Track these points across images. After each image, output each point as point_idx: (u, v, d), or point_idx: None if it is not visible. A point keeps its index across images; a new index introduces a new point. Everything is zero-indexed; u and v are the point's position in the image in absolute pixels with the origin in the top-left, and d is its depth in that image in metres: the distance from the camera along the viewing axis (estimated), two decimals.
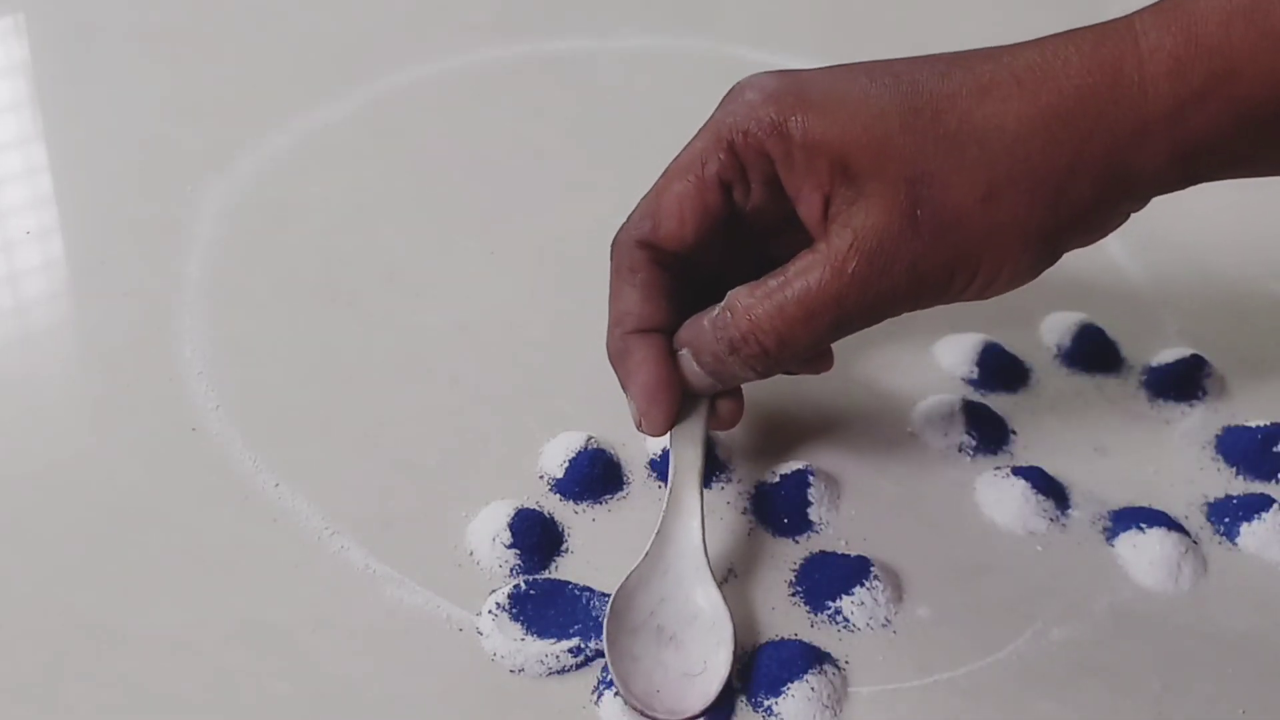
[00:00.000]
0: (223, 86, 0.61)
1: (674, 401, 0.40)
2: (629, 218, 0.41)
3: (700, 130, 0.41)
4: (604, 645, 0.38)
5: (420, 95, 0.62)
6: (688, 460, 0.41)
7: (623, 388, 0.41)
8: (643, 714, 0.37)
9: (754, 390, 0.48)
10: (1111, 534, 0.44)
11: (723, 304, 0.39)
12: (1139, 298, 0.54)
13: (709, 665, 0.38)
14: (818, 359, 0.43)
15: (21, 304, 0.50)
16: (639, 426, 0.41)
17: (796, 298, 0.38)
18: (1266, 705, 0.40)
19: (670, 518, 0.40)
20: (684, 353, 0.41)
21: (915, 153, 0.37)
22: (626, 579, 0.39)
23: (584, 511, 0.43)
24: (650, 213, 0.41)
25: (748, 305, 0.38)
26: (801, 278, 0.38)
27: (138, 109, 0.59)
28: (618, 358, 0.41)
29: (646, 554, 0.39)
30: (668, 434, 0.41)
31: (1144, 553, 0.43)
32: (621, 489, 0.44)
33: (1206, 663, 0.41)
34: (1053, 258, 0.39)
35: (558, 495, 0.44)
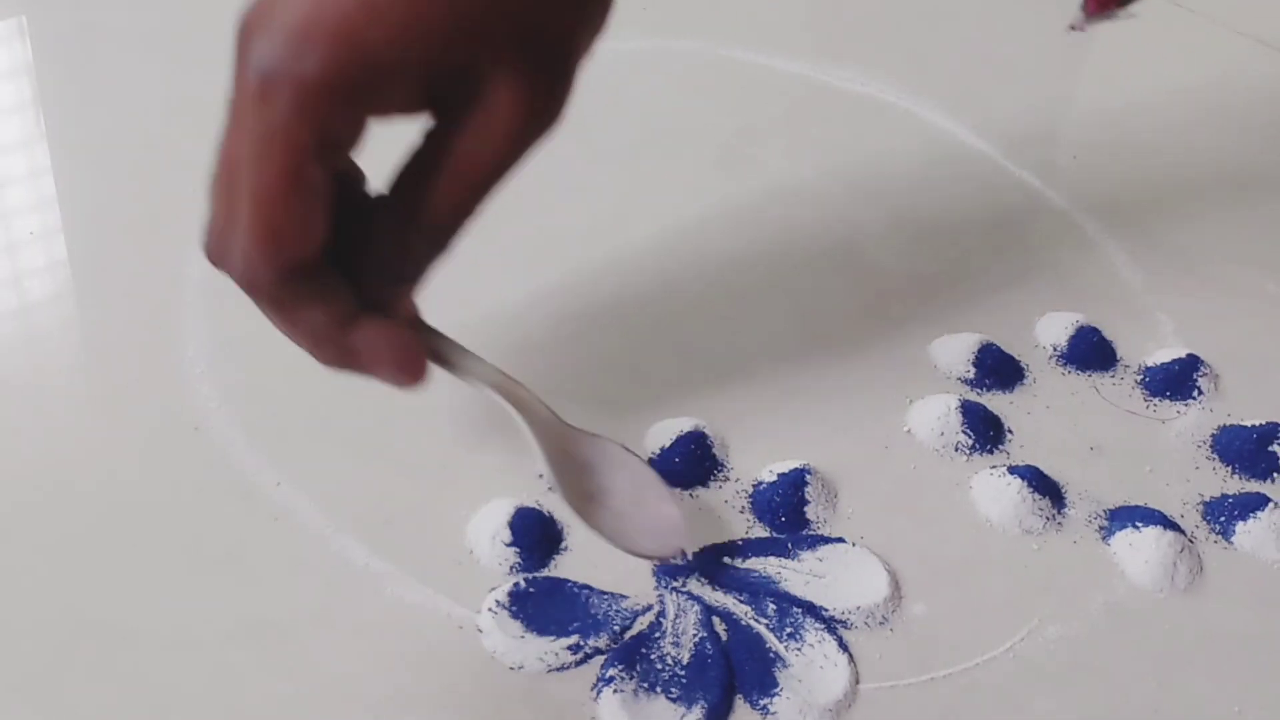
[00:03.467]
0: (224, 86, 0.61)
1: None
2: None
3: None
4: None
5: None
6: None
7: None
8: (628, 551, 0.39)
9: (753, 390, 0.48)
10: (1107, 533, 0.44)
11: None
12: (1135, 298, 0.54)
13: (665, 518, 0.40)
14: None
15: (25, 305, 0.51)
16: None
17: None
18: (1262, 703, 0.40)
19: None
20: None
21: None
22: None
23: None
24: None
25: None
26: None
27: (140, 111, 0.59)
28: None
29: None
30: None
31: (1140, 551, 0.43)
32: None
33: (1202, 661, 0.41)
34: None
35: (557, 494, 0.44)
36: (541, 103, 0.35)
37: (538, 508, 0.43)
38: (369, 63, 0.32)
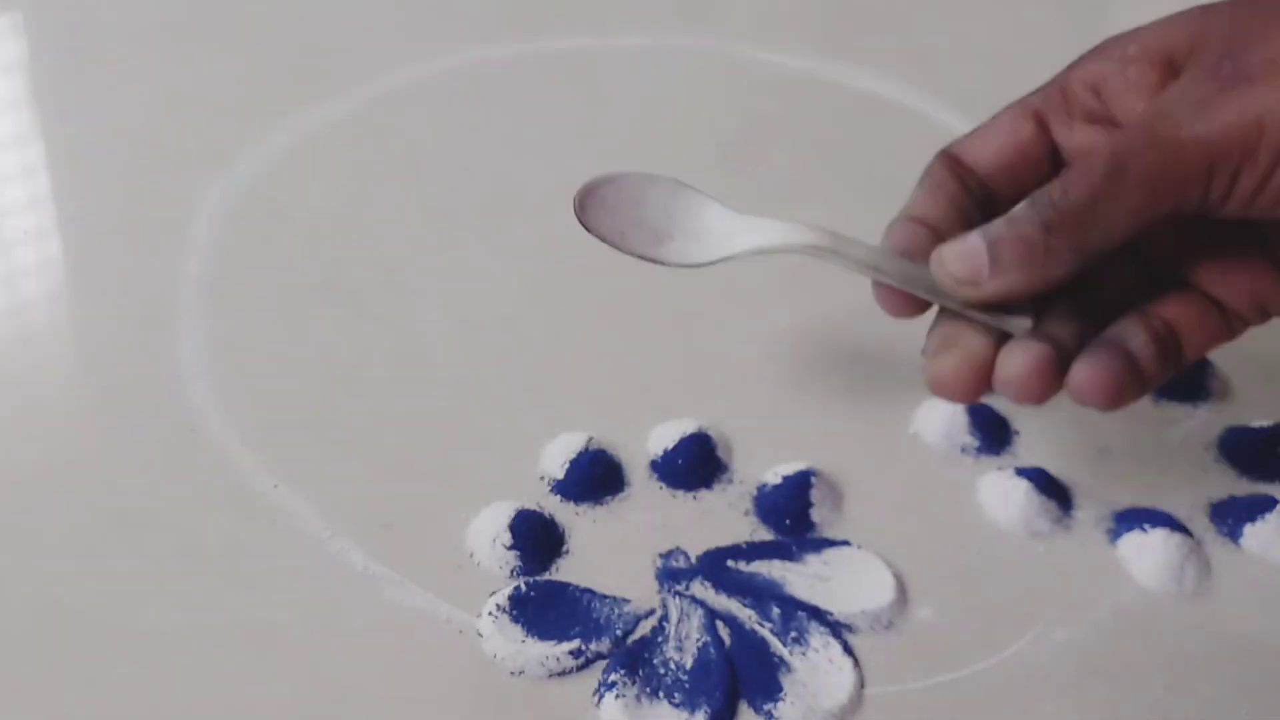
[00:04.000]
0: (222, 86, 0.61)
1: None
2: None
3: None
4: (578, 191, 0.38)
5: (420, 95, 0.61)
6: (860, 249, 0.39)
7: None
8: (603, 240, 0.38)
9: (755, 390, 0.48)
10: (1115, 535, 0.44)
11: (1039, 192, 0.36)
12: None
13: (680, 241, 0.38)
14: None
15: (20, 304, 0.50)
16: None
17: (1104, 158, 0.34)
18: (1270, 706, 0.40)
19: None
20: (972, 242, 0.36)
21: (1235, 23, 0.35)
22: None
23: (584, 513, 0.43)
24: (969, 133, 0.40)
25: (1065, 178, 0.35)
26: (1107, 143, 0.35)
27: (136, 108, 0.59)
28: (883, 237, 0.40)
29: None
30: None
31: (1147, 554, 0.43)
32: (622, 490, 0.44)
33: (1210, 664, 0.41)
34: None
35: (558, 496, 0.43)
36: None
37: (539, 510, 0.42)
38: None
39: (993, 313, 0.37)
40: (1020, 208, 0.36)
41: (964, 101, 0.65)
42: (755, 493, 0.44)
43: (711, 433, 0.45)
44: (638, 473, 0.44)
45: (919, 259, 0.38)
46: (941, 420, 0.47)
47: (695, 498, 0.44)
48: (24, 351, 0.48)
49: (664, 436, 0.45)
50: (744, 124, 0.62)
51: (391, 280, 0.52)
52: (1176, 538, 0.43)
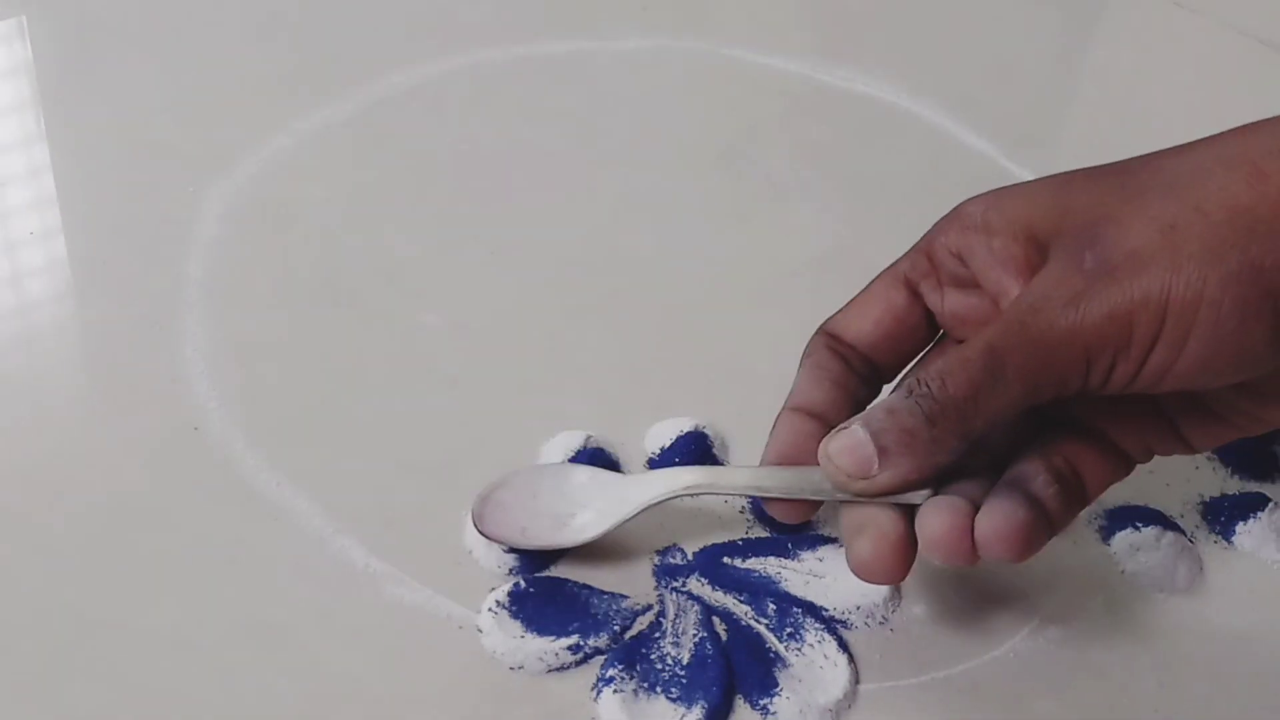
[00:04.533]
0: (224, 87, 0.61)
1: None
2: None
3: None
4: (474, 502, 0.41)
5: (420, 95, 0.62)
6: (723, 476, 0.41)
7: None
8: (502, 546, 0.40)
9: (752, 389, 0.48)
10: (1107, 532, 0.44)
11: (911, 379, 0.36)
12: None
13: (581, 518, 0.40)
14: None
15: (24, 304, 0.51)
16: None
17: (980, 353, 0.35)
18: (1263, 704, 0.40)
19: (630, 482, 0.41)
20: (855, 435, 0.36)
21: (1094, 203, 0.36)
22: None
23: None
24: (844, 308, 0.41)
25: (941, 369, 0.35)
26: (981, 336, 0.35)
27: (139, 110, 0.59)
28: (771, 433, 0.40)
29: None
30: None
31: (1140, 551, 0.43)
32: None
33: (1202, 661, 0.41)
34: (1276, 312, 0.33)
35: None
36: None
37: None
38: None
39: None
40: (899, 397, 0.36)
41: (961, 104, 0.65)
42: None
43: (708, 431, 0.46)
44: (636, 471, 0.45)
45: (806, 460, 0.38)
46: None
47: (692, 495, 0.44)
48: (28, 351, 0.49)
49: (661, 434, 0.45)
50: (741, 127, 0.62)
51: (392, 280, 0.52)
52: (1169, 536, 0.44)
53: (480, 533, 0.40)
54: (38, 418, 0.45)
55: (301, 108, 0.60)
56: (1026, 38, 0.72)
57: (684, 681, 0.38)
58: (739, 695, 0.39)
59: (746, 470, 0.40)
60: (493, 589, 0.40)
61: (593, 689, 0.38)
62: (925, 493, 0.37)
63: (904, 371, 0.41)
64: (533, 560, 0.41)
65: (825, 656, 0.39)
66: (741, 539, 0.43)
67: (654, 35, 0.67)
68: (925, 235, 0.40)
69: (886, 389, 0.40)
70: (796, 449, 0.38)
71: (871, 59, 0.67)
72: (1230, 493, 0.46)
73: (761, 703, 0.38)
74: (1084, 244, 0.35)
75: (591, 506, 0.41)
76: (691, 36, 0.68)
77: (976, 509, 0.36)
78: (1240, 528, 0.45)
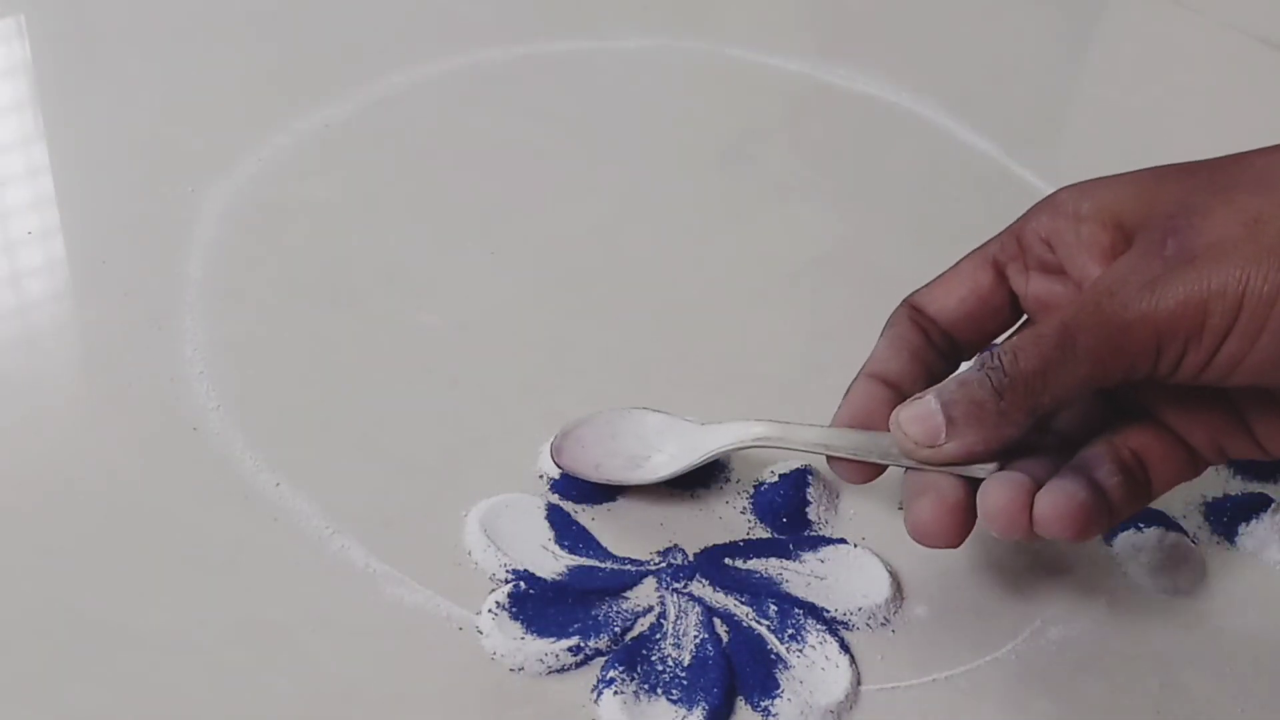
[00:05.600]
0: (223, 87, 0.61)
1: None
2: None
3: None
4: (555, 436, 0.43)
5: (420, 95, 0.62)
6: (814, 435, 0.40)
7: None
8: (576, 476, 0.42)
9: (753, 389, 0.48)
10: (1110, 533, 0.44)
11: (984, 354, 0.37)
12: None
13: (655, 459, 0.41)
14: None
15: (23, 304, 0.51)
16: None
17: (1054, 330, 0.36)
18: (1264, 704, 0.40)
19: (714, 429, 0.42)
20: (927, 405, 0.37)
21: (1183, 194, 0.36)
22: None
23: (583, 512, 0.43)
24: (930, 283, 0.41)
25: (1014, 344, 0.36)
26: (1057, 314, 0.36)
27: (139, 110, 0.59)
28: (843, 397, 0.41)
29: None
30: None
31: (1142, 552, 0.43)
32: (621, 489, 0.44)
33: (1204, 662, 0.41)
34: None
35: (557, 495, 0.44)
36: None
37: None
38: None
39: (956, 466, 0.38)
40: (971, 371, 0.37)
41: (962, 104, 0.65)
42: (752, 491, 0.44)
43: None
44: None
45: (876, 425, 0.39)
46: None
47: (693, 495, 0.44)
48: (27, 351, 0.49)
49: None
50: (741, 127, 0.62)
51: (392, 280, 0.52)
52: (1171, 536, 0.44)
53: (556, 464, 0.43)
54: (36, 418, 0.45)
55: (301, 108, 0.60)
56: (1027, 38, 0.72)
57: (685, 683, 0.38)
58: (740, 697, 0.38)
59: (817, 429, 0.40)
60: (493, 590, 0.40)
61: (593, 690, 0.38)
62: (990, 466, 0.37)
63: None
64: (531, 562, 0.41)
65: (827, 658, 0.39)
66: (743, 540, 0.43)
67: (654, 35, 0.67)
68: (1018, 219, 0.41)
69: (964, 366, 0.40)
70: (868, 413, 0.39)
71: (871, 59, 0.67)
72: (1233, 494, 0.46)
73: (763, 704, 0.38)
74: (1167, 232, 0.35)
75: (665, 450, 0.42)
76: (692, 36, 0.68)
77: (1039, 488, 0.36)
78: (1243, 529, 0.45)
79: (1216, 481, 0.46)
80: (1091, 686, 0.40)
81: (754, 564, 0.42)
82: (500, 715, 0.38)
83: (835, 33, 0.71)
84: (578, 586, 0.41)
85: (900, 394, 0.39)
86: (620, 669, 0.38)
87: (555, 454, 0.43)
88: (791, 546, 0.43)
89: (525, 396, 0.47)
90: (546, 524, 0.42)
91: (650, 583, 0.41)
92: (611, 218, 0.56)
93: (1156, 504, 0.45)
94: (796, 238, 0.56)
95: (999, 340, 0.40)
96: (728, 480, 0.45)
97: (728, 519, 0.44)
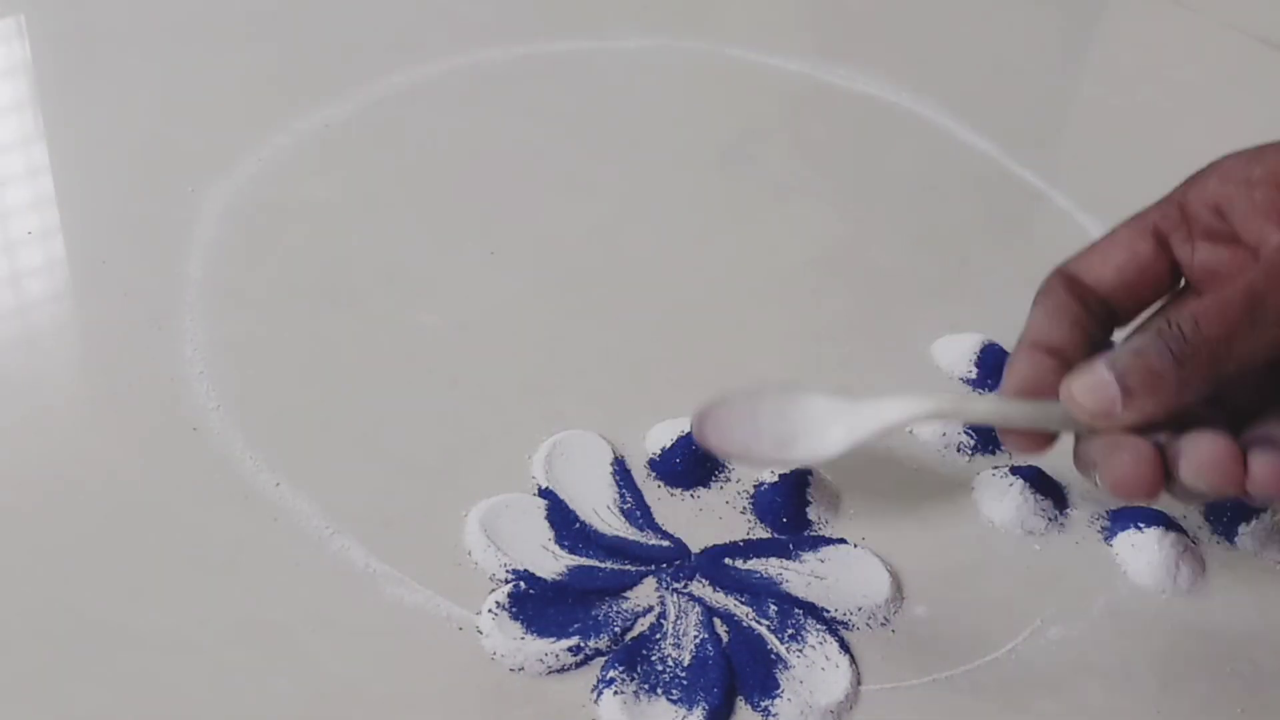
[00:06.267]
0: (223, 87, 0.61)
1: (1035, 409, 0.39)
2: None
3: None
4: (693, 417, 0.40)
5: (420, 95, 0.62)
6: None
7: None
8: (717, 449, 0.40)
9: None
10: (1110, 533, 0.44)
11: (1160, 321, 0.37)
12: None
13: (815, 437, 0.39)
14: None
15: (23, 304, 0.51)
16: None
17: (1241, 293, 0.35)
18: (1264, 704, 0.40)
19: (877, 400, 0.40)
20: (1100, 375, 0.37)
21: None
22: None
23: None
24: (1084, 251, 0.41)
25: (1195, 310, 0.36)
26: (1239, 279, 0.36)
27: (139, 110, 0.59)
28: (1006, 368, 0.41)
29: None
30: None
31: (1142, 552, 0.43)
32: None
33: (1204, 662, 0.41)
34: None
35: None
36: None
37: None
38: None
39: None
40: (1147, 338, 0.36)
41: (962, 104, 0.65)
42: (753, 491, 0.44)
43: None
44: (636, 472, 0.45)
45: (1045, 394, 0.38)
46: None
47: (693, 496, 0.44)
48: (28, 351, 0.49)
49: (662, 436, 0.45)
50: (741, 127, 0.62)
51: (392, 280, 0.52)
52: (1171, 536, 0.44)
53: (702, 444, 0.40)
54: (37, 418, 0.45)
55: (301, 108, 0.60)
56: (1027, 38, 0.72)
57: (685, 683, 0.38)
58: (740, 697, 0.38)
59: (988, 401, 0.40)
60: (493, 590, 0.40)
61: (593, 690, 0.38)
62: (1161, 435, 0.37)
63: (1138, 319, 0.41)
64: (531, 562, 0.41)
65: (826, 658, 0.39)
66: (743, 540, 0.43)
67: (654, 35, 0.67)
68: (1177, 188, 0.40)
69: (1118, 334, 0.40)
70: (1035, 384, 0.39)
71: (871, 59, 0.67)
72: None
73: (763, 704, 0.38)
74: None
75: (825, 427, 0.40)
76: (692, 36, 0.68)
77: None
78: (1243, 529, 0.45)
79: None
80: (1091, 686, 0.40)
81: (754, 564, 0.42)
82: (500, 715, 0.38)
83: (835, 33, 0.71)
84: (578, 586, 0.41)
85: (1065, 362, 0.38)
86: (620, 669, 0.38)
87: (698, 435, 0.40)
88: (791, 546, 0.43)
89: (525, 396, 0.47)
90: (546, 524, 0.42)
91: (650, 583, 0.41)
92: (611, 218, 0.56)
93: (1156, 504, 0.45)
94: (796, 238, 0.56)
95: (1154, 308, 0.40)
96: (728, 480, 0.45)
97: (728, 519, 0.44)
